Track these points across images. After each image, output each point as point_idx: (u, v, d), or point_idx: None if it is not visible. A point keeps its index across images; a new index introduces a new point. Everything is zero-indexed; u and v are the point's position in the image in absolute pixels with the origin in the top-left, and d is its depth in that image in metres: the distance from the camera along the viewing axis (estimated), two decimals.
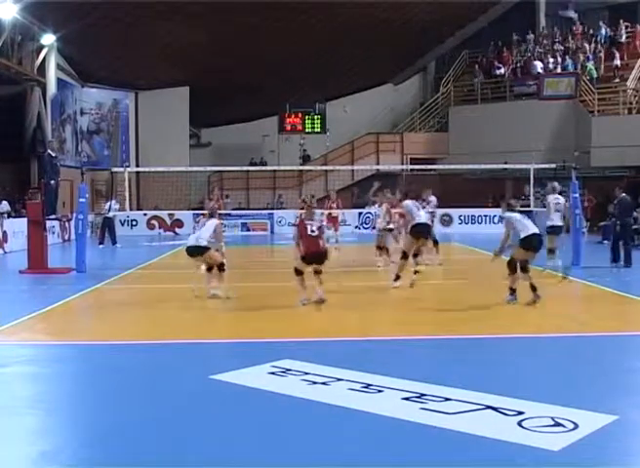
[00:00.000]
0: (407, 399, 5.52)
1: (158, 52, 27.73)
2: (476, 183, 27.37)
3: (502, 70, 31.19)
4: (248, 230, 28.30)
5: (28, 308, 9.90)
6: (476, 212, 27.01)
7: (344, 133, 32.23)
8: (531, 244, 9.87)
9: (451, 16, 29.26)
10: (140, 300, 11.20)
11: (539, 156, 24.21)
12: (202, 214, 20.51)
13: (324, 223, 11.29)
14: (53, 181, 15.19)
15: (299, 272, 10.21)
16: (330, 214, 17.81)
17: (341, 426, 5.03)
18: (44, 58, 25.46)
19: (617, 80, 28.18)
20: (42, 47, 25.20)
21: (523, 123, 28.32)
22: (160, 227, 28.21)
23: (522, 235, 9.87)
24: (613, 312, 9.99)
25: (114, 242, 22.28)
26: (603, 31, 30.25)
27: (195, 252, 10.91)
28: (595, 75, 28.40)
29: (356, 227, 27.48)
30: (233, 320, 9.55)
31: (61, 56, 26.80)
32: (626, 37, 29.59)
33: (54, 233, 22.29)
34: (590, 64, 28.72)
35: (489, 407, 5.27)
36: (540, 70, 29.73)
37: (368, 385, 5.89)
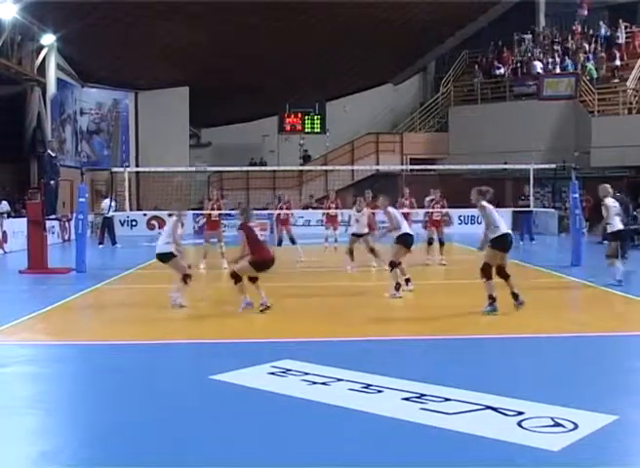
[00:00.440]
0: (407, 399, 5.52)
1: (158, 52, 27.73)
2: (476, 183, 27.24)
3: (502, 70, 31.18)
4: None
5: (28, 308, 9.90)
6: (476, 212, 26.85)
7: (344, 133, 32.22)
8: (504, 244, 9.39)
9: (451, 16, 29.26)
10: (139, 300, 11.21)
11: (539, 156, 24.23)
12: (202, 215, 20.60)
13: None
14: (53, 181, 15.20)
15: (238, 278, 9.47)
16: (328, 213, 17.92)
17: (341, 426, 5.03)
18: (44, 58, 25.47)
19: (616, 80, 28.17)
20: (42, 47, 25.20)
21: (523, 123, 28.31)
22: (160, 227, 28.10)
23: (494, 234, 9.35)
24: (613, 312, 9.99)
25: (114, 242, 22.27)
26: (603, 31, 30.24)
27: (160, 258, 10.29)
28: (595, 75, 28.38)
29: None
30: (233, 320, 9.54)
31: (61, 56, 26.80)
32: (626, 37, 29.58)
33: (54, 233, 22.29)
34: (590, 64, 28.71)
35: (489, 407, 5.27)
36: (539, 70, 29.72)
37: (368, 385, 5.89)
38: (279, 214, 17.46)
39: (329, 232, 17.98)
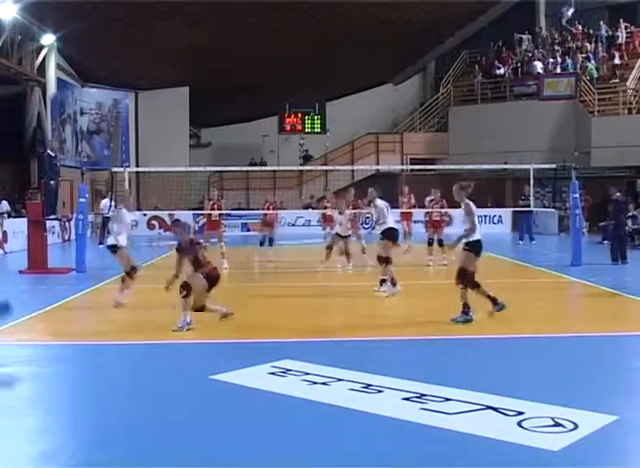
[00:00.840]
0: (407, 399, 5.52)
1: (158, 52, 27.72)
2: (476, 183, 27.32)
3: (502, 70, 31.17)
4: (248, 230, 28.27)
5: (28, 308, 9.90)
6: (478, 212, 26.93)
7: (344, 133, 32.22)
8: (480, 249, 8.86)
9: (451, 16, 29.24)
10: (139, 300, 11.19)
11: (539, 156, 24.22)
12: (202, 215, 20.56)
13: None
14: (53, 181, 15.20)
15: (189, 292, 8.41)
16: (324, 213, 18.03)
17: (341, 426, 5.03)
18: (44, 58, 25.46)
19: (617, 80, 28.17)
20: (42, 47, 25.20)
21: (523, 123, 28.31)
22: (160, 227, 28.18)
23: (473, 237, 8.82)
24: (613, 312, 9.99)
25: None
26: (603, 31, 30.24)
27: (111, 251, 10.47)
28: (595, 75, 28.39)
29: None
30: (233, 320, 9.53)
31: (61, 56, 26.79)
32: (626, 37, 29.58)
33: (54, 233, 22.29)
34: (590, 64, 28.72)
35: (489, 407, 5.28)
36: (539, 70, 29.72)
37: (368, 385, 5.89)
38: (265, 215, 17.61)
39: (326, 232, 18.05)
